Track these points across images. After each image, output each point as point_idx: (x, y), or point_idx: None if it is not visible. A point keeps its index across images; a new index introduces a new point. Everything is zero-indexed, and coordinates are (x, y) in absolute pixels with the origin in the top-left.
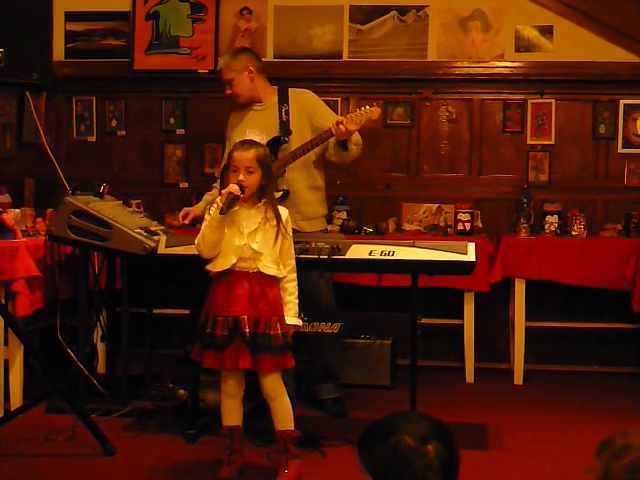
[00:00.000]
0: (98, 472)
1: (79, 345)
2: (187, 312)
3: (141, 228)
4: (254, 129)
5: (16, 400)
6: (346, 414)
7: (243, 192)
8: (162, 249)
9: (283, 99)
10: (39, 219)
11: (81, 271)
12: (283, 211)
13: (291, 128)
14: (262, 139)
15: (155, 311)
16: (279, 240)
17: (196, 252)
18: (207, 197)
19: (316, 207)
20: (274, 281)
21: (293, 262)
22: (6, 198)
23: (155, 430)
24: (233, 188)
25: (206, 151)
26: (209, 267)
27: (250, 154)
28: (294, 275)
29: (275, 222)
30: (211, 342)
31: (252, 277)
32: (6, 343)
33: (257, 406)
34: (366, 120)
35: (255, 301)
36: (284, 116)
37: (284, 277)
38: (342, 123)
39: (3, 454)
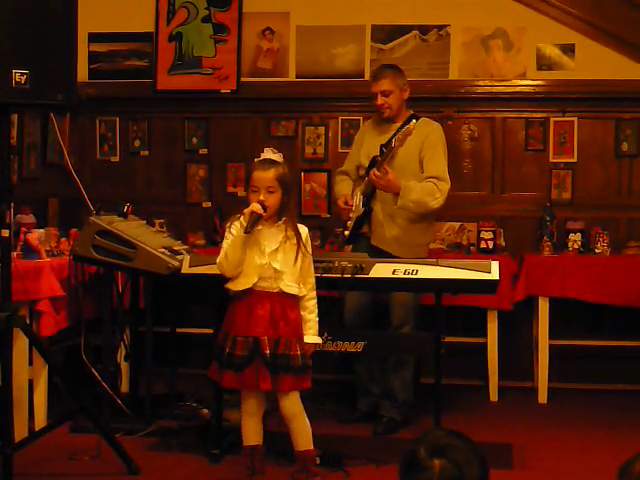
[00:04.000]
0: None
1: (103, 364)
2: (210, 331)
3: (165, 248)
4: (272, 147)
5: (40, 419)
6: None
7: (265, 211)
8: (186, 268)
9: (406, 125)
10: (63, 239)
11: (105, 291)
12: (302, 229)
13: (398, 153)
14: (279, 157)
15: (178, 330)
16: (299, 258)
17: (219, 271)
18: (343, 184)
19: (409, 233)
20: (295, 300)
21: (313, 280)
22: (30, 218)
23: (179, 449)
24: (255, 207)
25: (228, 171)
26: (229, 286)
27: (270, 174)
28: (314, 293)
29: (295, 240)
30: (230, 362)
31: (273, 297)
32: (30, 363)
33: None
34: (405, 136)
35: (276, 321)
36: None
37: (305, 295)
38: (397, 139)
39: (27, 474)
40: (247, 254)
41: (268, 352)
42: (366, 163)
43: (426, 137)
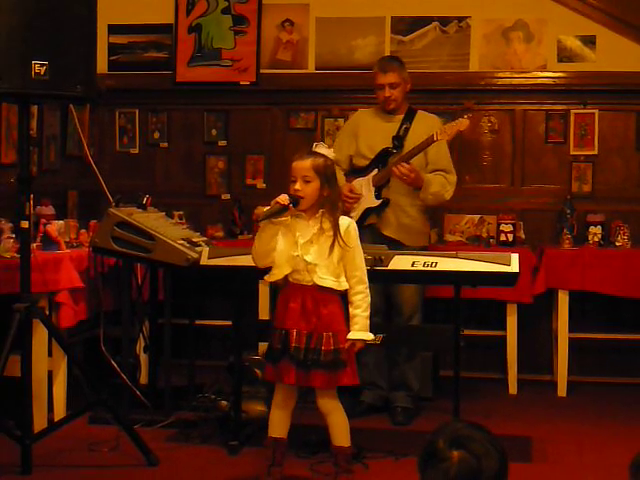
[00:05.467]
0: None
1: (122, 356)
2: (229, 323)
3: (184, 239)
4: (323, 142)
5: (60, 411)
6: (408, 424)
7: (295, 203)
8: (204, 260)
9: (408, 118)
10: (82, 231)
11: (124, 282)
12: (344, 221)
13: (406, 144)
14: (329, 153)
15: (197, 322)
16: (336, 251)
17: (238, 263)
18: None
19: (417, 223)
20: (332, 294)
21: (359, 273)
22: (50, 210)
23: (198, 441)
24: (281, 198)
25: (248, 163)
26: (266, 277)
27: (307, 163)
28: (362, 287)
29: (332, 233)
30: (270, 354)
31: (306, 290)
32: (50, 354)
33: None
34: (456, 131)
35: (308, 315)
36: (402, 132)
37: (350, 289)
38: (443, 132)
39: (47, 465)
40: (281, 245)
41: (294, 346)
42: (369, 154)
43: (430, 130)
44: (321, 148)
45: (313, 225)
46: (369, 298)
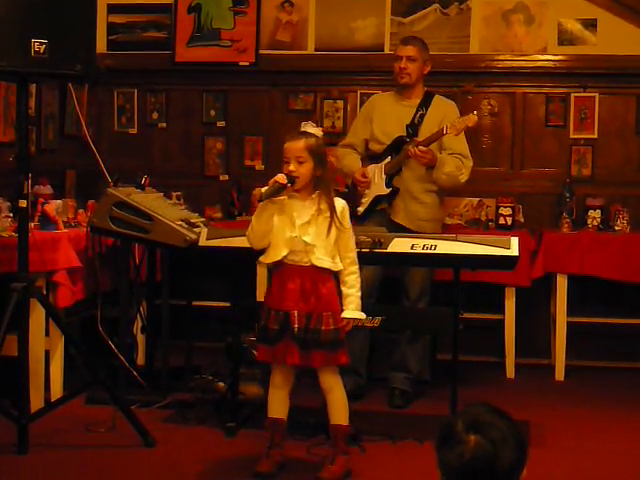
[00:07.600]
0: (138, 463)
1: (119, 336)
2: (227, 304)
3: (182, 220)
4: (310, 122)
5: (56, 390)
6: (405, 407)
7: (292, 182)
8: (203, 241)
9: (424, 103)
10: (80, 210)
11: (122, 262)
12: (339, 202)
13: (421, 132)
14: (318, 131)
15: (195, 303)
16: (333, 232)
17: (236, 244)
18: (352, 157)
19: (429, 210)
20: (328, 274)
21: (353, 254)
22: (48, 189)
23: (195, 422)
24: (279, 177)
25: (246, 144)
26: (261, 259)
27: (300, 144)
28: (355, 267)
29: (329, 214)
30: (264, 335)
31: (304, 271)
32: (47, 334)
33: None
34: (465, 127)
35: (307, 296)
36: (417, 119)
37: (344, 270)
38: (452, 127)
39: (43, 444)
40: (277, 226)
41: (297, 327)
42: (384, 139)
43: (444, 116)
44: (309, 127)
45: (310, 206)
46: (359, 279)
